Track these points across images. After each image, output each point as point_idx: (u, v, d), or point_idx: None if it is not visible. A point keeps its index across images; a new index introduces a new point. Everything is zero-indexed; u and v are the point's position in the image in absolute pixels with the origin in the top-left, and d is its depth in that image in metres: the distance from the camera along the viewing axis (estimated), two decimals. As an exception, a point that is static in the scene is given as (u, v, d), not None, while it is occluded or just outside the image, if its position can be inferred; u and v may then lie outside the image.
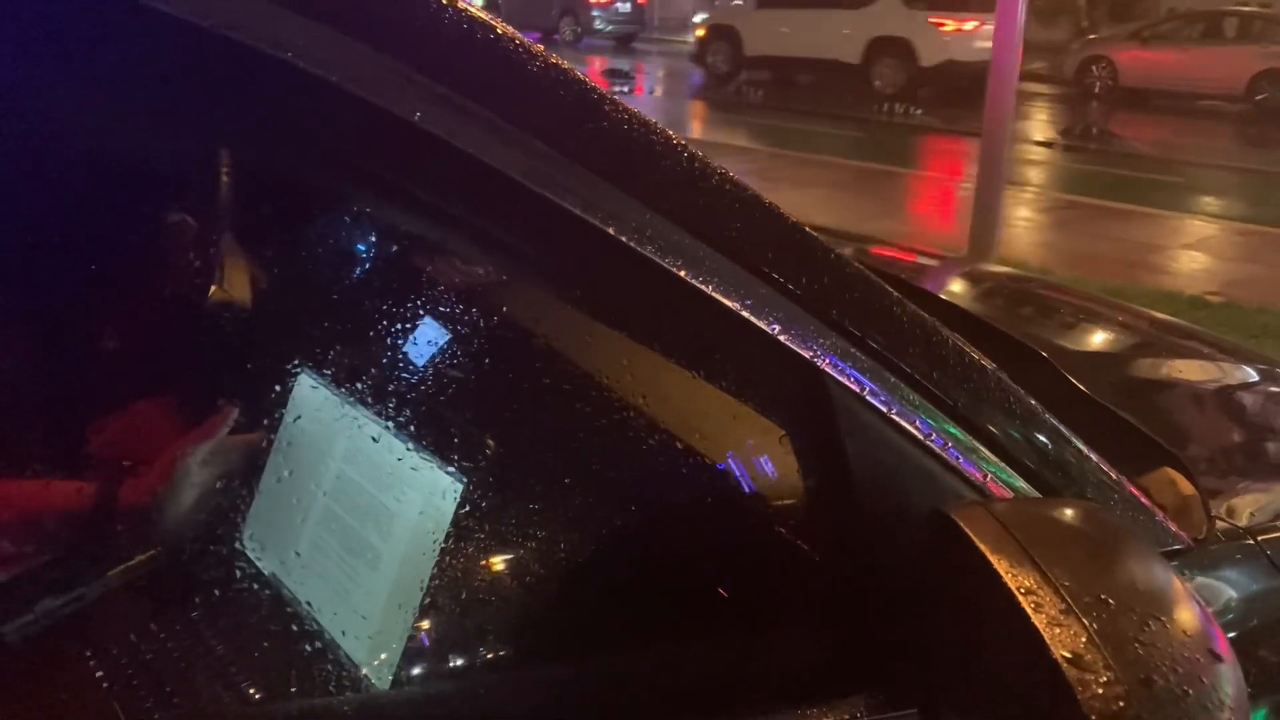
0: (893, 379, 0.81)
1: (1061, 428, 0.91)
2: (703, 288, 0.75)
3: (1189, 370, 1.75)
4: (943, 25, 14.99)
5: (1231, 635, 0.99)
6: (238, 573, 0.83)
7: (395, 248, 0.85)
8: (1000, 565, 0.65)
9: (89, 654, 0.78)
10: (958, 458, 0.83)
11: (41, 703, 0.76)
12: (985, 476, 0.85)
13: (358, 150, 0.74)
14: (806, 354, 0.79)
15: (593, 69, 17.87)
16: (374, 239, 0.87)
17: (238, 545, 0.84)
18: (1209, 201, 9.30)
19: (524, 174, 0.71)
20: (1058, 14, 22.46)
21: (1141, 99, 15.76)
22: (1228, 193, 9.75)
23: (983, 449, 0.84)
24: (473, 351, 0.83)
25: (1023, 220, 8.18)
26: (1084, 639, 0.60)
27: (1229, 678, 0.61)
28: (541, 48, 0.73)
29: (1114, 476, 0.94)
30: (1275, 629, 1.02)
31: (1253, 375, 1.75)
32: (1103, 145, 12.14)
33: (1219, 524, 1.08)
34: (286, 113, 0.73)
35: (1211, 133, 13.65)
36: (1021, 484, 0.86)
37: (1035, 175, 10.37)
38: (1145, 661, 0.60)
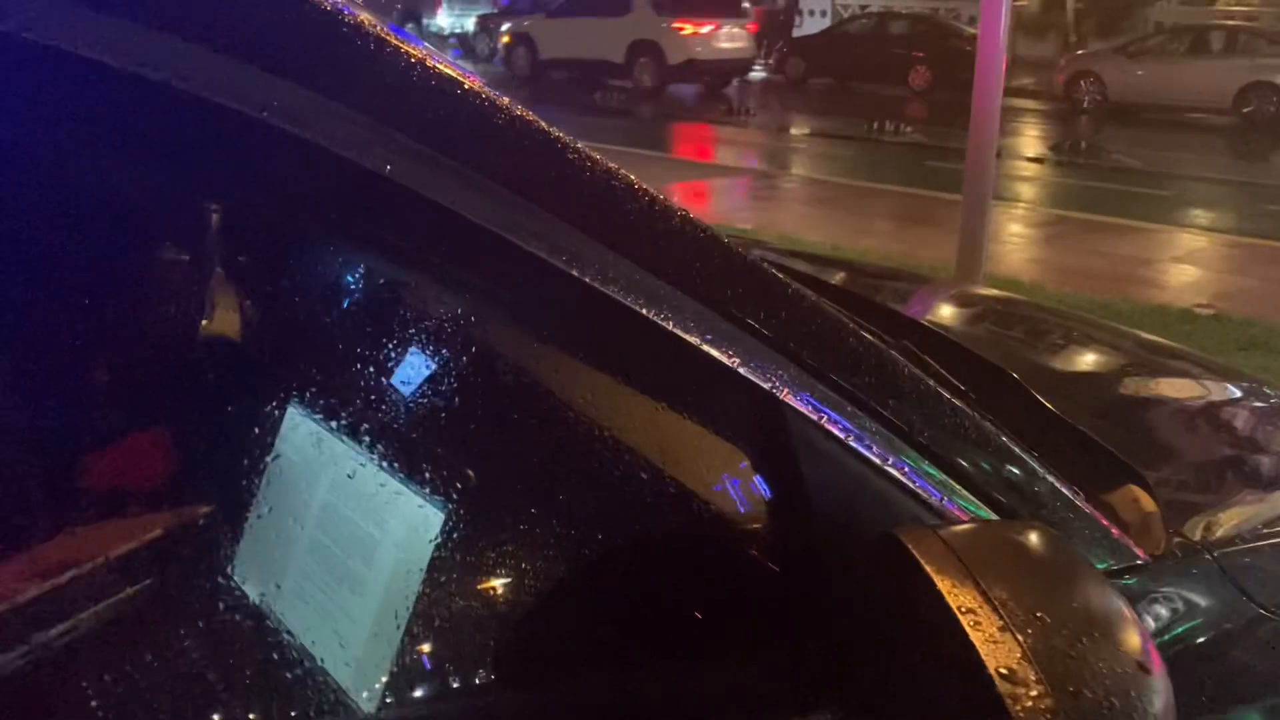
0: (849, 407, 0.85)
1: (1018, 450, 0.95)
2: (664, 324, 0.79)
3: (1168, 388, 1.78)
4: (683, 29, 18.04)
5: (1192, 644, 1.02)
6: (228, 604, 0.86)
7: (376, 290, 0.89)
8: (943, 585, 0.68)
9: (84, 685, 0.80)
10: (915, 482, 0.87)
11: None
12: (943, 499, 0.88)
13: (338, 201, 0.78)
14: (765, 385, 0.82)
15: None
16: (357, 282, 0.91)
17: (227, 577, 0.87)
18: (1198, 214, 9.37)
19: (492, 220, 0.74)
20: (1046, 29, 22.64)
21: (1130, 113, 15.87)
22: (1216, 205, 9.82)
23: (938, 473, 0.88)
24: (449, 387, 0.86)
25: (1014, 236, 8.24)
26: (1018, 655, 0.63)
27: (1156, 689, 0.64)
28: (507, 99, 0.77)
29: (1071, 496, 0.97)
30: (1232, 640, 1.06)
31: (1234, 393, 1.78)
32: (1092, 160, 12.22)
33: (1178, 540, 1.11)
34: (271, 165, 0.76)
35: (1200, 146, 13.75)
36: (977, 506, 0.90)
37: (1026, 191, 10.44)
38: (1075, 675, 0.63)
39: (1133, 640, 0.67)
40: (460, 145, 0.74)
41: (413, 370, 0.87)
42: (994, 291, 2.85)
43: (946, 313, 2.14)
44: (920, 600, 0.70)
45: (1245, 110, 15.20)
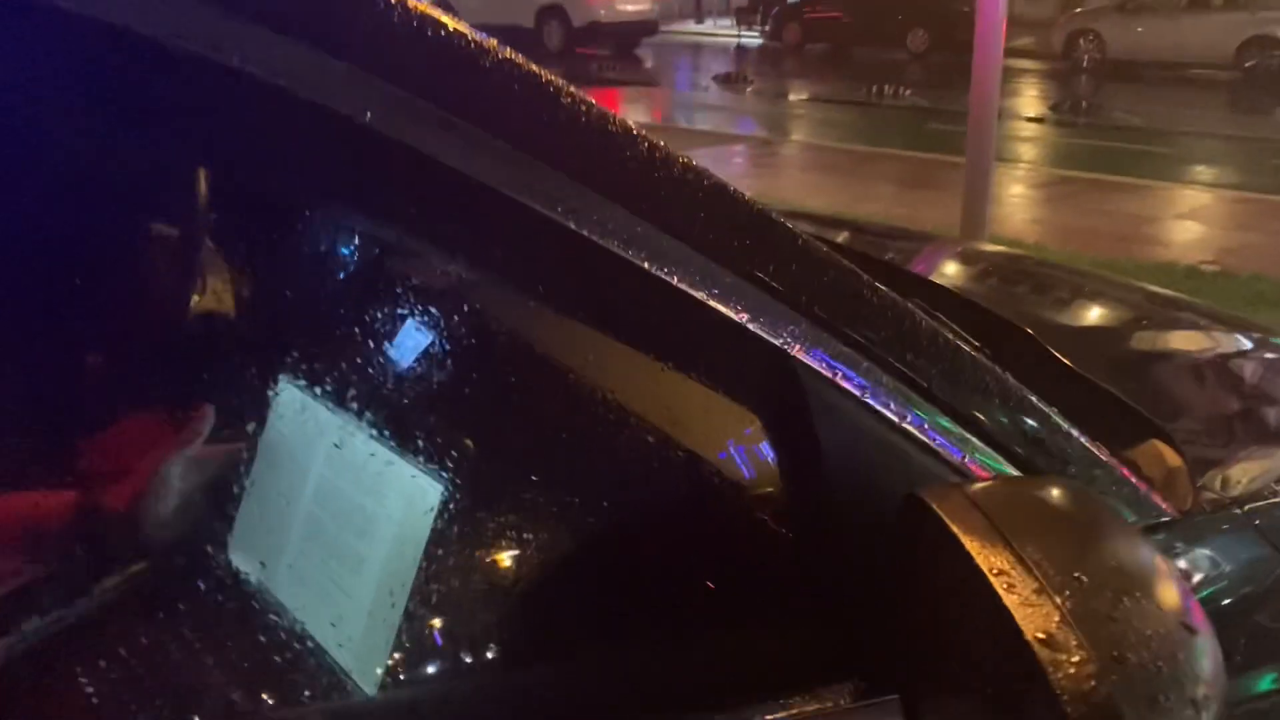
0: (865, 363, 0.81)
1: (1041, 405, 0.91)
2: (668, 279, 0.75)
3: (1182, 342, 1.75)
4: (584, -7, 18.45)
5: (1223, 604, 0.99)
6: (225, 583, 0.83)
7: (359, 249, 0.85)
8: (972, 546, 0.64)
9: (78, 670, 0.78)
10: (934, 439, 0.83)
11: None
12: (964, 457, 0.84)
13: (316, 154, 0.73)
14: (776, 341, 0.78)
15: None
16: (345, 245, 0.87)
17: (224, 555, 0.84)
18: (1201, 170, 9.29)
19: (484, 173, 0.70)
20: (1043, -12, 22.43)
21: (1131, 70, 15.74)
22: (1220, 161, 9.73)
23: (959, 430, 0.84)
24: (445, 352, 0.82)
25: (1015, 198, 8.17)
26: (1056, 618, 0.59)
27: (1204, 650, 0.61)
28: (494, 41, 0.73)
29: (1096, 451, 0.93)
30: (1267, 597, 1.02)
31: (1246, 344, 1.74)
32: (1093, 118, 12.10)
33: (1206, 495, 1.07)
34: (245, 119, 0.72)
35: (1202, 101, 13.63)
36: (1001, 463, 0.86)
37: (1027, 151, 10.36)
38: (1118, 639, 0.59)
39: (1176, 599, 0.63)
40: (445, 91, 0.69)
41: (404, 335, 0.83)
42: (1001, 248, 2.81)
43: (953, 270, 2.10)
44: (948, 563, 0.66)
45: (1247, 65, 15.06)
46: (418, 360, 0.83)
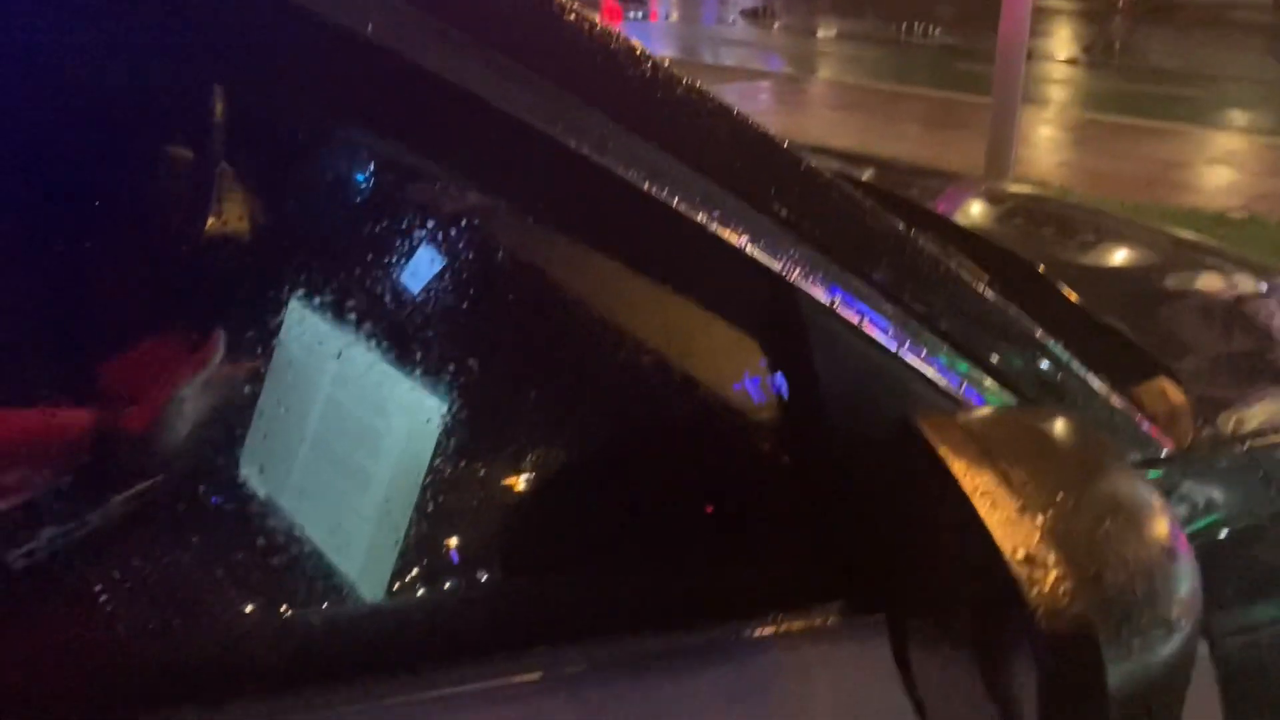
0: (865, 289, 0.81)
1: (1041, 337, 0.91)
2: (668, 200, 0.75)
3: (1197, 283, 1.73)
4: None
5: (1220, 537, 0.99)
6: (236, 499, 0.84)
7: (357, 165, 0.85)
8: (958, 468, 0.65)
9: (92, 579, 0.79)
10: (933, 369, 0.83)
11: (46, 628, 0.77)
12: (961, 386, 0.84)
13: (313, 67, 0.73)
14: (776, 266, 0.78)
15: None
16: (347, 164, 0.87)
17: (236, 472, 0.85)
18: (1235, 115, 9.12)
19: (483, 88, 0.70)
20: (1082, -75, 21.89)
21: (1167, 11, 15.40)
22: (1255, 106, 9.54)
23: (958, 359, 0.84)
24: (442, 267, 0.82)
25: (1044, 139, 8.06)
26: (1036, 537, 0.60)
27: (1183, 574, 0.61)
28: None
29: (1096, 385, 0.93)
30: (1264, 532, 1.02)
31: (1264, 287, 1.72)
32: (1127, 60, 11.88)
33: (1209, 432, 1.07)
34: (247, 35, 0.72)
35: (1240, 44, 13.35)
36: (997, 393, 0.86)
37: (1057, 93, 10.20)
38: (1096, 558, 0.60)
39: (1159, 525, 0.63)
40: (445, 3, 0.69)
41: (402, 255, 0.83)
42: (1022, 188, 2.78)
43: (974, 209, 2.08)
44: (936, 486, 0.67)
45: (1288, 7, 14.75)
46: (416, 280, 0.83)
